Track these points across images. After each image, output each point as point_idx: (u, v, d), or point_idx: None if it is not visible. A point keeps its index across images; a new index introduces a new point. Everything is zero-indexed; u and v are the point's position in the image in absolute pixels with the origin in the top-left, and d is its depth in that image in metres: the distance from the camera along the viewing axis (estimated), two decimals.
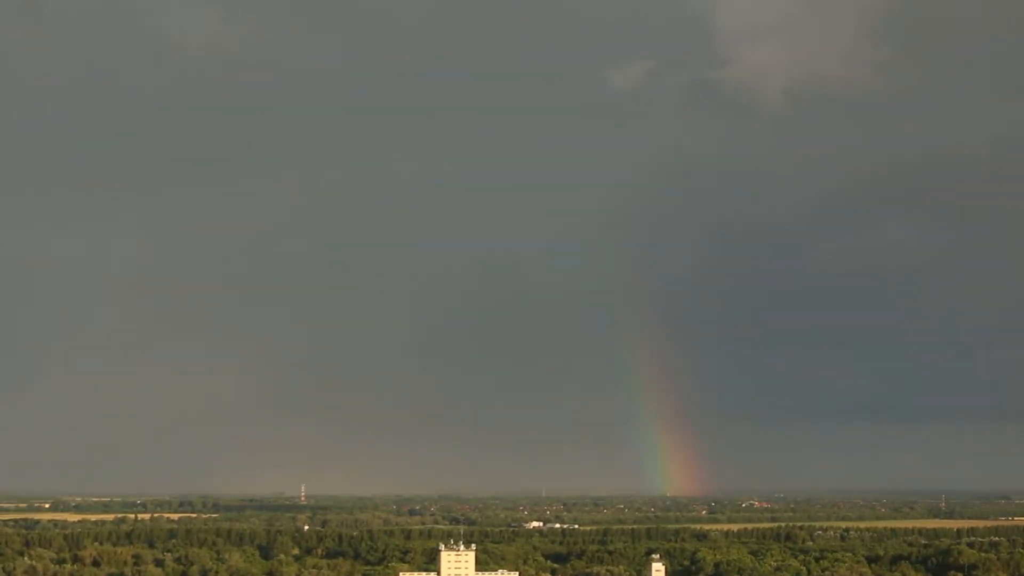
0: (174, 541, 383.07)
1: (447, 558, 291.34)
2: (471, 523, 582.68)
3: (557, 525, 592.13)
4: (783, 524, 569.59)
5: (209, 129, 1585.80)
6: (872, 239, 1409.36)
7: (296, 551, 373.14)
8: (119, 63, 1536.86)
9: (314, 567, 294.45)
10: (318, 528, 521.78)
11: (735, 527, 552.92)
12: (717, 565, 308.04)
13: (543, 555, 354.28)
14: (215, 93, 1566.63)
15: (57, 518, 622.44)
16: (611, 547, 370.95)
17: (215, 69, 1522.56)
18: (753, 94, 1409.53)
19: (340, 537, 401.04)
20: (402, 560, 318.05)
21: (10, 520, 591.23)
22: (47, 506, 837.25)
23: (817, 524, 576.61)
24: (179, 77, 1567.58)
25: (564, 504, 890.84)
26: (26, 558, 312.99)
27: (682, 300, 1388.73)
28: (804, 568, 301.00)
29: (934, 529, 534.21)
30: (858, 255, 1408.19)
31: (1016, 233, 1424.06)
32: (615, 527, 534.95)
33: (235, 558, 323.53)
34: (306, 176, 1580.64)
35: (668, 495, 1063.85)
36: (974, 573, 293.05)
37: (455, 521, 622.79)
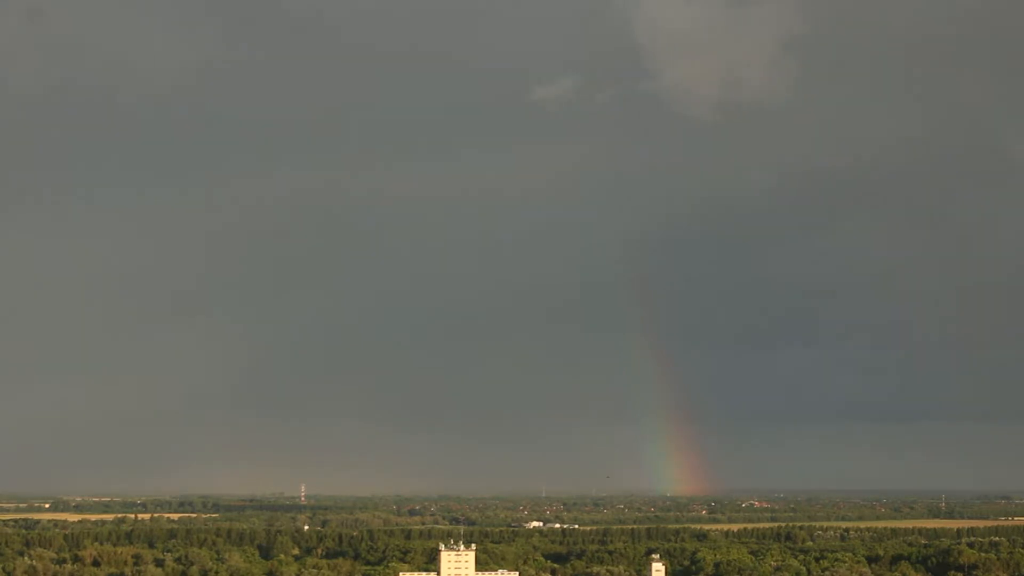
0: (174, 541, 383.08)
1: (447, 558, 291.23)
2: (471, 523, 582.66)
3: (557, 525, 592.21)
4: (783, 524, 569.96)
5: (181, 136, 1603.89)
6: (845, 241, 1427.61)
7: (296, 551, 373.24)
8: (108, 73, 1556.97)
9: (314, 567, 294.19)
10: (318, 528, 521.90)
11: (735, 527, 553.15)
12: (717, 565, 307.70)
13: (543, 555, 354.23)
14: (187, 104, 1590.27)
15: (57, 518, 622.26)
16: (611, 547, 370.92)
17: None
18: (680, 107, 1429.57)
19: (340, 537, 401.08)
20: (402, 560, 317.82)
21: (10, 520, 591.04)
22: (47, 506, 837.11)
23: (817, 524, 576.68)
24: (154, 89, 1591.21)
25: (564, 504, 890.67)
26: (26, 558, 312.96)
27: (681, 301, 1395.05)
28: (804, 568, 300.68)
29: (934, 529, 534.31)
30: (835, 256, 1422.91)
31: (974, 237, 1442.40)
32: (615, 527, 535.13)
33: (235, 558, 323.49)
34: (297, 176, 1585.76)
35: (668, 495, 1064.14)
36: (974, 573, 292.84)
37: (455, 521, 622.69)
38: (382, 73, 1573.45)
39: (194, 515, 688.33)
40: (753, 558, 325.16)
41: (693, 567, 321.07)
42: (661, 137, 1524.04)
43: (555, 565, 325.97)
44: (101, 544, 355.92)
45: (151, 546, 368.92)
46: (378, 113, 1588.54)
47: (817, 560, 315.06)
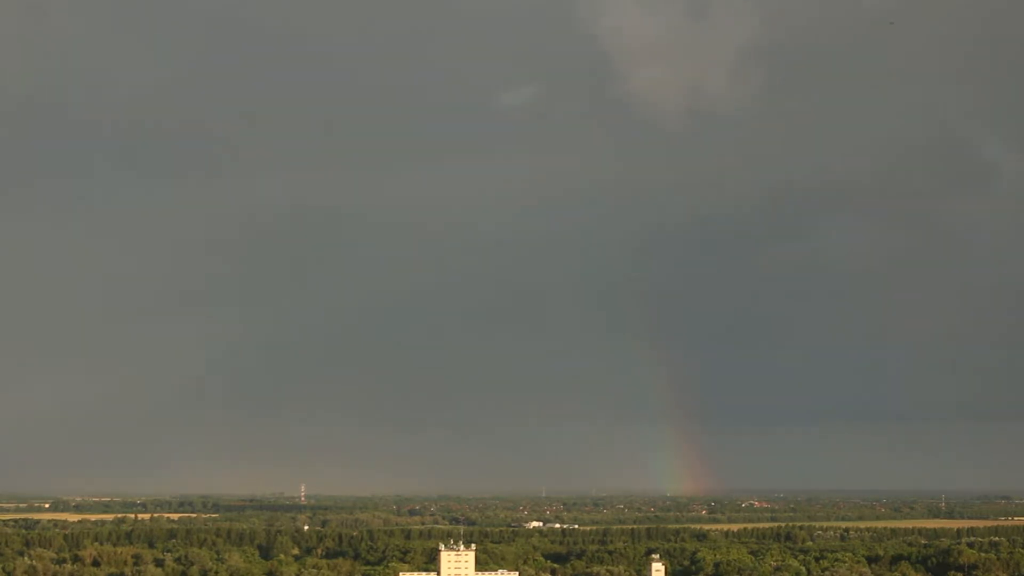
0: (174, 541, 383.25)
1: (447, 558, 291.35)
2: (471, 523, 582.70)
3: (557, 525, 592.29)
4: (783, 524, 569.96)
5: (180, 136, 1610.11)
6: (842, 242, 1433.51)
7: (296, 551, 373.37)
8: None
9: (314, 567, 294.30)
10: (318, 528, 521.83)
11: (735, 527, 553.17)
12: (717, 565, 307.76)
13: (543, 555, 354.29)
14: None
15: (57, 518, 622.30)
16: (611, 547, 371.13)
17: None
18: (646, 113, 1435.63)
19: (340, 537, 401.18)
20: (402, 560, 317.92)
21: (10, 520, 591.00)
22: (47, 506, 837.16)
23: (817, 524, 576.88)
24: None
25: (564, 504, 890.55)
26: (26, 558, 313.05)
27: (681, 301, 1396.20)
28: (804, 568, 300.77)
29: (934, 529, 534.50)
30: (833, 256, 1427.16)
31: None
32: (615, 527, 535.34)
33: (235, 558, 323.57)
34: (297, 177, 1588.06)
35: (668, 495, 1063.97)
36: (974, 573, 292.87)
37: (455, 521, 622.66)
38: (371, 77, 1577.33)
39: (194, 515, 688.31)
40: (753, 558, 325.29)
41: (693, 567, 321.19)
42: (629, 144, 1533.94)
43: (555, 565, 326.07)
44: (101, 544, 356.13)
45: (151, 546, 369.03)
46: (374, 115, 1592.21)
47: (817, 560, 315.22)
